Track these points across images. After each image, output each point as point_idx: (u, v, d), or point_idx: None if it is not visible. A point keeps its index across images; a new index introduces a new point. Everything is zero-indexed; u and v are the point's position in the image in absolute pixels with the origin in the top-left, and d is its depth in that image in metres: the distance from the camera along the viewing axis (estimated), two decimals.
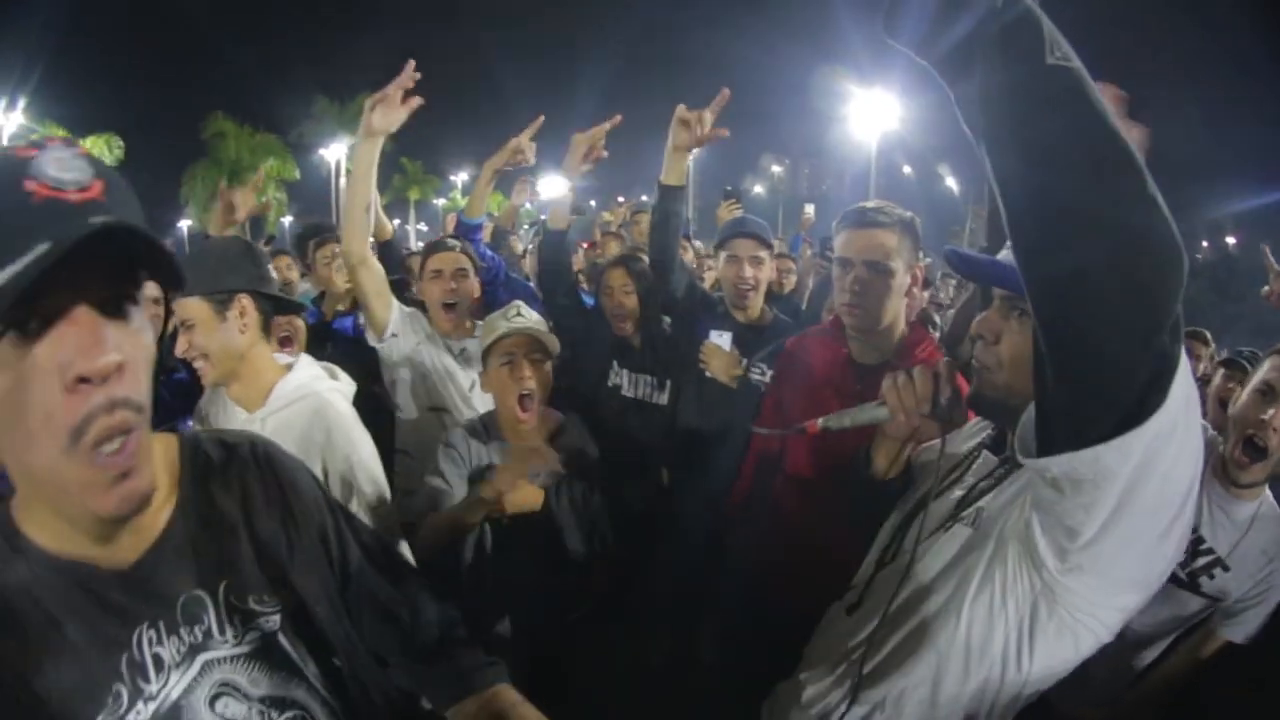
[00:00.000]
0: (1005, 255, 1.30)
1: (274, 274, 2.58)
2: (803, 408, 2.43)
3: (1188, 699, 2.30)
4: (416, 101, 2.59)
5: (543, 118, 3.63)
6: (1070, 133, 0.87)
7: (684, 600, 3.13)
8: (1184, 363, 0.95)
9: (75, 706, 0.89)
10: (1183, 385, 0.95)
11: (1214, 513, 2.20)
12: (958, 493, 1.52)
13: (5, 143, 25.04)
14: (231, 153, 32.29)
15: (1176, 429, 0.97)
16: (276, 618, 1.09)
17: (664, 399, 3.32)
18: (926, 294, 3.67)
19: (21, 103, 25.39)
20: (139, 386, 0.88)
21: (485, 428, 2.54)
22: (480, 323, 2.97)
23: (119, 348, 0.83)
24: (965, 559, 1.37)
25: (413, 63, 2.56)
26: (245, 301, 2.08)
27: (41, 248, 0.76)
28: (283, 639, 1.09)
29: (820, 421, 1.52)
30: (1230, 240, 44.75)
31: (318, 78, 40.50)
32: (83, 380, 0.80)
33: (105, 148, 26.89)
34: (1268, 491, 2.21)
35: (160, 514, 1.03)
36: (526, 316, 2.52)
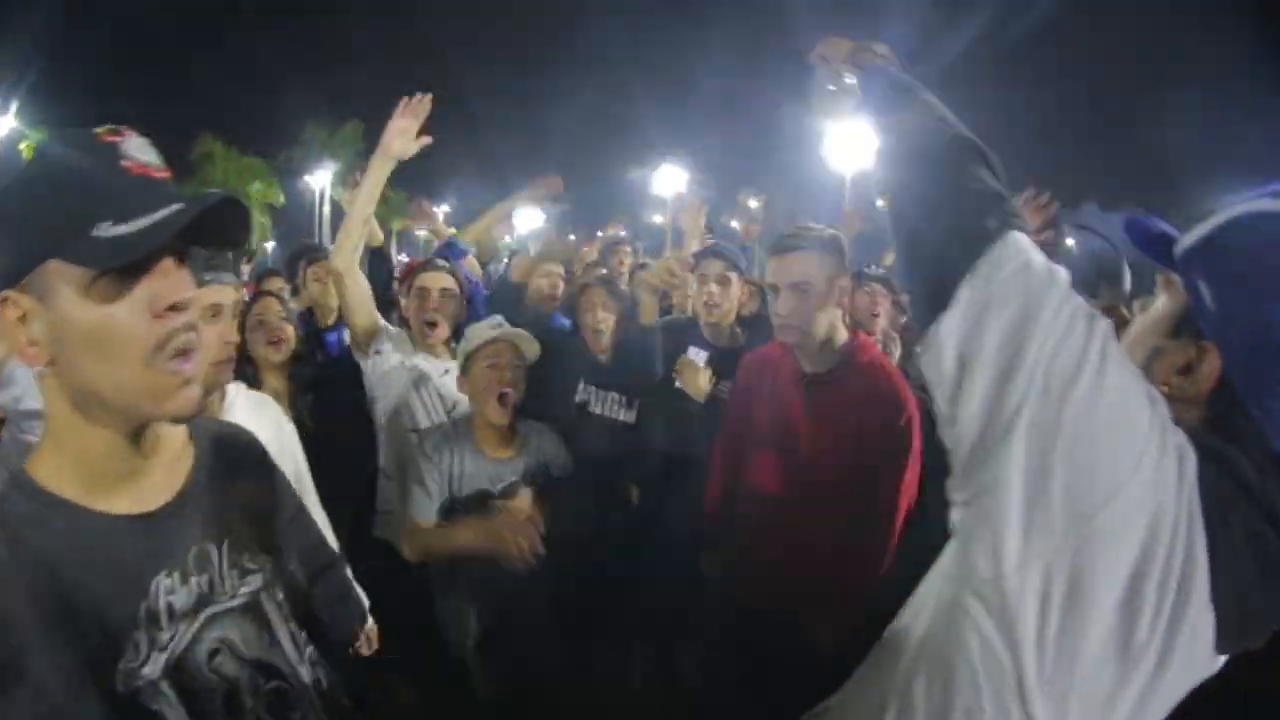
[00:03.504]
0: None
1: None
2: (758, 416, 2.66)
3: None
4: (426, 139, 2.81)
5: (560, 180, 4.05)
6: (921, 165, 1.22)
7: (661, 617, 3.20)
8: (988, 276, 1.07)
9: (98, 657, 0.95)
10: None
11: None
12: None
13: None
14: (218, 175, 32.32)
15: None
16: (260, 577, 1.19)
17: (631, 416, 3.34)
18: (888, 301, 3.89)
19: (14, 106, 25.51)
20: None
21: (457, 431, 2.67)
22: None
23: (191, 287, 1.01)
24: None
25: (429, 96, 2.79)
26: None
27: (176, 206, 0.94)
28: (264, 600, 1.19)
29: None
30: None
31: (306, 103, 40.52)
32: (171, 308, 0.96)
33: None
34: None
35: (178, 469, 1.13)
36: (507, 326, 2.72)
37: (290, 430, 2.41)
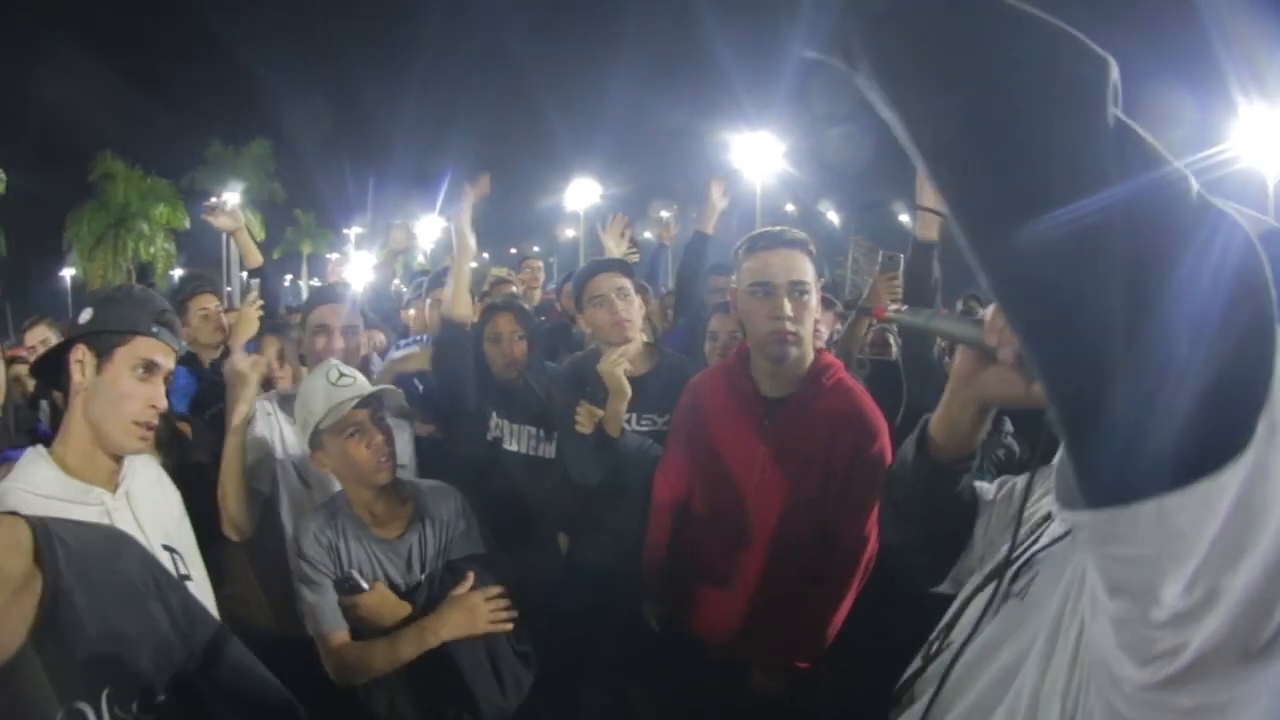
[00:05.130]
0: None
1: None
2: (711, 449, 2.36)
3: None
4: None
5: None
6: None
7: (612, 667, 2.80)
8: None
9: None
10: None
11: None
12: (1003, 547, 1.14)
13: None
14: (120, 196, 31.18)
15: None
16: None
17: (552, 451, 2.95)
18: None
19: None
20: None
21: (334, 510, 2.23)
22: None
23: None
24: (1011, 642, 1.01)
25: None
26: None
27: None
28: None
29: (894, 308, 1.21)
30: None
31: (212, 120, 39.50)
32: None
33: None
34: None
35: (21, 606, 0.91)
36: (351, 375, 2.25)
37: (174, 493, 1.98)
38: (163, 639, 1.04)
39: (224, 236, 34.59)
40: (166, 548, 1.76)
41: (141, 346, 1.68)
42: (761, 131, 23.47)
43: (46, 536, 0.98)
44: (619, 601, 2.67)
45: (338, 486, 2.35)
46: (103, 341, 1.66)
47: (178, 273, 30.83)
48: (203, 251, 33.86)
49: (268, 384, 2.91)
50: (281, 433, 2.68)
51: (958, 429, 1.18)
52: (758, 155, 23.43)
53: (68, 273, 36.78)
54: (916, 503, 1.28)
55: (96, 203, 31.35)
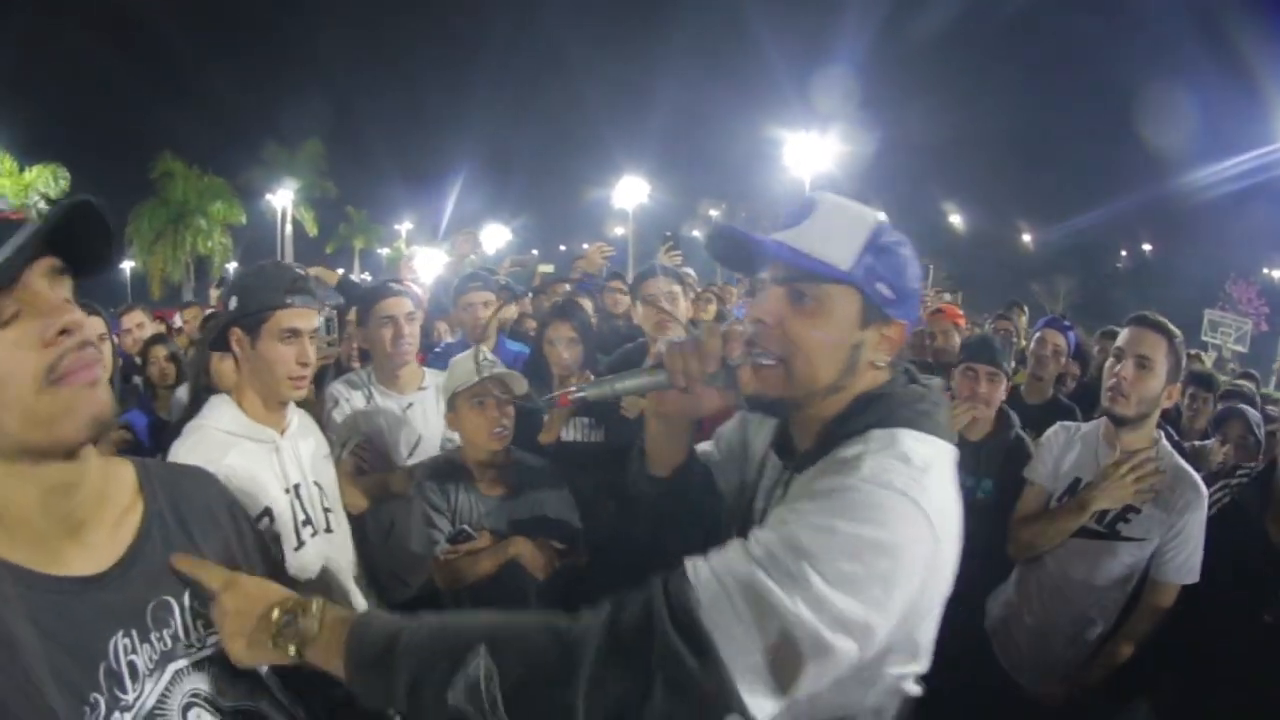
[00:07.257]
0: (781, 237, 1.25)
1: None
2: None
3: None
4: None
5: None
6: None
7: None
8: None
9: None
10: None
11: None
12: (759, 503, 1.38)
13: None
14: (179, 194, 32.32)
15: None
16: None
17: (601, 435, 3.27)
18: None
19: None
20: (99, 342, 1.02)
21: (452, 464, 2.59)
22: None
23: (74, 311, 0.97)
24: None
25: None
26: None
27: (29, 229, 0.93)
28: None
29: (577, 390, 1.23)
30: (1147, 247, 48.31)
31: (267, 122, 40.22)
32: (62, 333, 0.93)
33: (50, 178, 26.56)
34: (1163, 439, 2.49)
35: (127, 524, 1.10)
36: (494, 361, 2.66)
37: (323, 441, 2.39)
38: (234, 562, 1.23)
39: (278, 231, 35.43)
40: (317, 484, 2.19)
41: (281, 319, 2.00)
42: (811, 131, 23.41)
43: (146, 473, 1.19)
44: (657, 570, 2.72)
45: None
46: (249, 321, 2.01)
47: (233, 266, 31.57)
48: (258, 246, 34.61)
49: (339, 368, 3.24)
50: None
51: (672, 446, 1.39)
52: (806, 156, 23.36)
53: (127, 264, 37.83)
54: (662, 509, 1.48)
55: (157, 200, 32.42)
